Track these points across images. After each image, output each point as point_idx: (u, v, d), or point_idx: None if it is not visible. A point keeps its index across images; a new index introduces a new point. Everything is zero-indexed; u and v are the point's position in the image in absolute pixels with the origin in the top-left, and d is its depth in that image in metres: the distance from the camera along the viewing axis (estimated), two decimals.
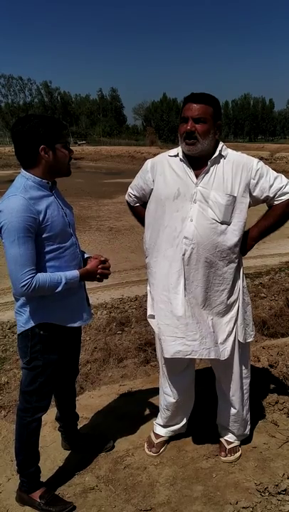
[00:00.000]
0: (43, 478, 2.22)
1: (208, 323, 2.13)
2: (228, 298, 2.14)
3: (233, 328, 2.18)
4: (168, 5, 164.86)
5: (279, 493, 2.09)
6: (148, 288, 2.36)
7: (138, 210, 2.40)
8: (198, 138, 1.98)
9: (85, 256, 2.16)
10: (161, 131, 52.90)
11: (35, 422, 2.10)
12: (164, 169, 2.15)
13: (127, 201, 2.46)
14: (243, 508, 2.04)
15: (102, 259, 2.11)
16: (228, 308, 2.16)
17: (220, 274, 2.09)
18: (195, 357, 2.15)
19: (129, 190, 2.39)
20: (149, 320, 2.32)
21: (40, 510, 2.11)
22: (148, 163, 2.26)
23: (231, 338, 2.18)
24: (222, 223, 2.03)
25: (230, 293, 2.14)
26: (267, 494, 2.10)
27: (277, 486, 2.14)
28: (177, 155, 2.13)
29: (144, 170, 2.25)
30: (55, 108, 59.36)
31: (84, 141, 46.22)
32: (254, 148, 30.02)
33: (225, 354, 2.17)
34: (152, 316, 2.27)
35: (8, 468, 2.38)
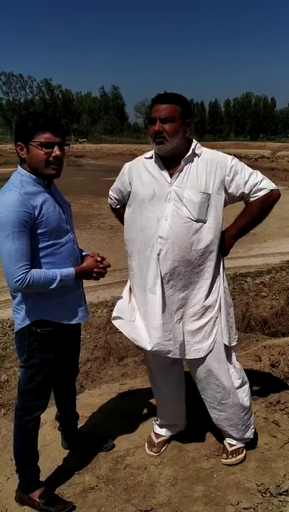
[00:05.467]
0: (43, 478, 2.21)
1: (182, 323, 2.12)
2: (206, 297, 2.11)
3: (212, 330, 2.13)
4: (169, 2, 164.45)
5: (280, 494, 2.08)
6: (126, 289, 2.34)
7: (119, 211, 2.40)
8: (167, 137, 1.99)
9: (83, 254, 2.14)
10: None
11: (33, 420, 2.09)
12: (139, 171, 2.16)
13: (109, 203, 2.47)
14: (244, 508, 2.02)
15: (99, 258, 2.10)
16: (207, 308, 2.12)
17: (196, 272, 2.07)
18: (170, 356, 2.13)
19: (110, 192, 2.40)
20: (114, 322, 2.26)
21: (39, 510, 2.10)
22: (126, 166, 2.27)
23: (210, 339, 2.13)
24: (197, 221, 2.02)
25: (209, 291, 2.11)
26: (268, 495, 2.09)
27: (278, 486, 2.12)
28: (152, 157, 2.13)
29: (122, 173, 2.26)
30: (56, 105, 59.25)
31: (85, 139, 46.15)
32: (255, 146, 29.94)
33: (199, 353, 2.13)
34: (118, 318, 2.23)
35: (8, 468, 2.37)
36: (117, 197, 2.35)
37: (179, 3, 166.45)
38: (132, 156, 29.74)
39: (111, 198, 2.41)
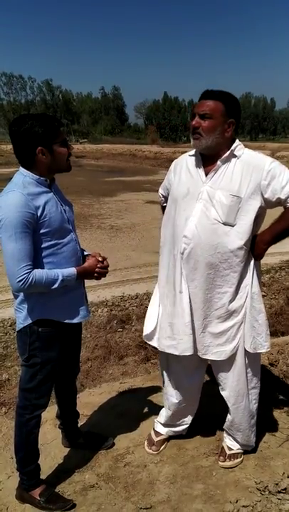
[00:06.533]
0: (43, 476, 2.23)
1: (204, 324, 2.11)
2: (231, 302, 2.08)
3: (236, 334, 2.12)
4: (168, 4, 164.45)
5: (279, 492, 2.09)
6: (152, 300, 2.36)
7: None
8: (202, 134, 1.97)
9: (85, 253, 2.15)
10: (162, 129, 52.73)
11: (34, 419, 2.10)
12: (181, 169, 2.17)
13: (159, 201, 2.50)
14: (243, 506, 2.04)
15: (100, 258, 2.11)
16: (231, 313, 2.09)
17: (221, 276, 2.04)
18: (186, 354, 2.14)
19: (159, 190, 2.43)
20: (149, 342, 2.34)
21: (40, 507, 2.11)
22: (173, 163, 2.29)
23: (233, 344, 2.12)
24: (225, 224, 1.98)
25: (234, 297, 2.08)
26: (267, 493, 2.10)
27: (277, 484, 2.14)
28: (194, 154, 2.13)
29: (169, 170, 2.28)
30: (56, 106, 59.18)
31: (85, 140, 46.13)
32: (255, 147, 29.93)
33: (220, 356, 2.13)
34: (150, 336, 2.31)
35: (9, 466, 2.38)
36: (164, 194, 2.37)
37: (177, 4, 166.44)
38: (132, 156, 29.92)
39: (160, 196, 2.44)
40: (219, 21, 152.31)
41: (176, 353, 2.15)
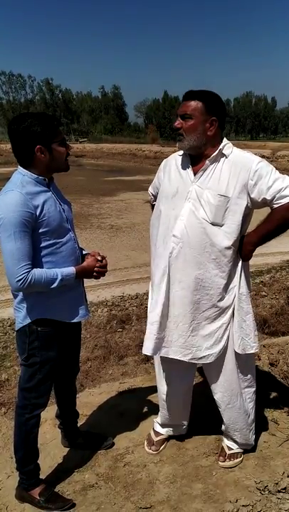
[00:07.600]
0: (43, 476, 2.22)
1: (192, 327, 2.08)
2: (219, 302, 2.06)
3: (223, 336, 2.10)
4: (168, 2, 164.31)
5: (279, 492, 2.09)
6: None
7: None
8: (184, 134, 1.98)
9: (84, 253, 2.15)
10: (162, 128, 52.70)
11: (33, 418, 2.10)
12: (171, 168, 2.16)
13: (148, 200, 2.49)
14: (243, 506, 2.04)
15: (99, 257, 2.11)
16: (219, 313, 2.08)
17: (209, 276, 2.03)
18: (169, 356, 2.13)
19: (149, 189, 2.42)
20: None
21: (39, 507, 2.11)
22: (163, 162, 2.28)
23: (220, 345, 2.10)
24: (213, 224, 1.97)
25: (222, 298, 2.06)
26: (267, 492, 2.10)
27: (277, 484, 2.14)
28: (183, 154, 2.13)
29: (159, 169, 2.28)
30: (56, 105, 59.15)
31: (85, 139, 46.09)
32: (256, 146, 29.89)
33: (208, 359, 2.11)
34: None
35: (8, 466, 2.38)
36: (154, 192, 2.37)
37: (177, 2, 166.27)
38: (132, 155, 29.90)
39: (149, 195, 2.44)
40: (220, 20, 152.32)
41: (166, 355, 2.14)
